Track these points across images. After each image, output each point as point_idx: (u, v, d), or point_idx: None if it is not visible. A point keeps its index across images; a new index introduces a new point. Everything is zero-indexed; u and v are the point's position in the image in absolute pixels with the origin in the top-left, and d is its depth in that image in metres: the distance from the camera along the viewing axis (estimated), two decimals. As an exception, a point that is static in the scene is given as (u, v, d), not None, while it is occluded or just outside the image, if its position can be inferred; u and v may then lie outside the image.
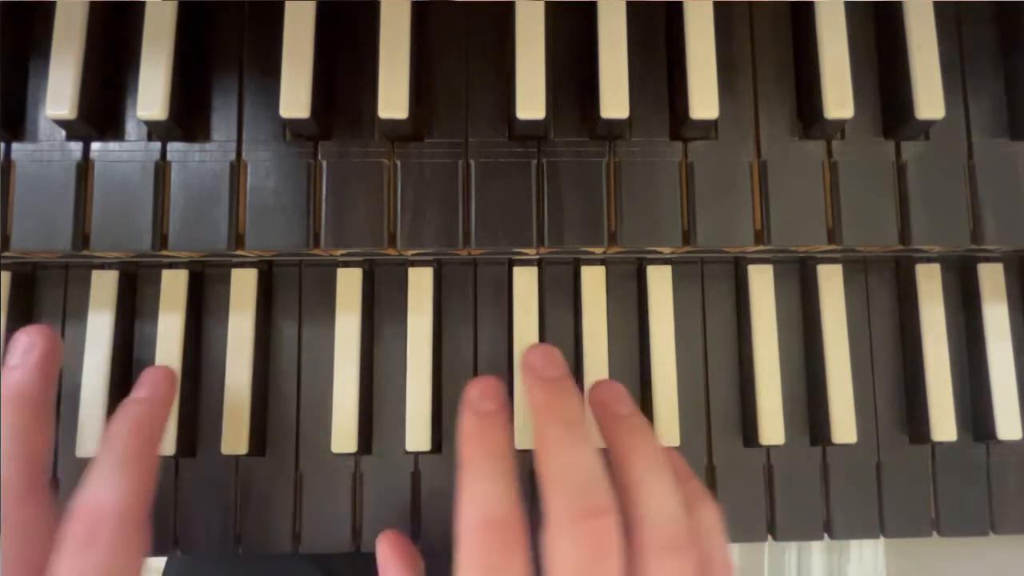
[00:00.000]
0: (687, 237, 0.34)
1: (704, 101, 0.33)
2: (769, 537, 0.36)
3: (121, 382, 0.35)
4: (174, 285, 0.35)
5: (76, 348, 0.35)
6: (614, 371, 0.36)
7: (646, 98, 0.35)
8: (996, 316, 0.36)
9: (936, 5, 0.34)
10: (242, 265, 0.36)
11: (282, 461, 0.36)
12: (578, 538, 0.25)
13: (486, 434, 0.28)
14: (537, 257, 0.37)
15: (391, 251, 0.34)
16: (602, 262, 0.37)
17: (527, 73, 0.33)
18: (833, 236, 0.34)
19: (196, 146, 0.34)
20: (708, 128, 0.35)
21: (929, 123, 0.34)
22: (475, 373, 0.36)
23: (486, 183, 0.34)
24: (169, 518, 0.35)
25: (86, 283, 0.36)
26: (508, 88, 0.35)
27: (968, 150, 0.36)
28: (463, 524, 0.26)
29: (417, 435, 0.34)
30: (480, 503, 0.26)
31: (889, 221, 0.35)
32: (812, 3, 0.34)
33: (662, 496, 0.27)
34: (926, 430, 0.36)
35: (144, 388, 0.32)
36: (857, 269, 0.38)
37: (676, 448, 0.35)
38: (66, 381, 0.36)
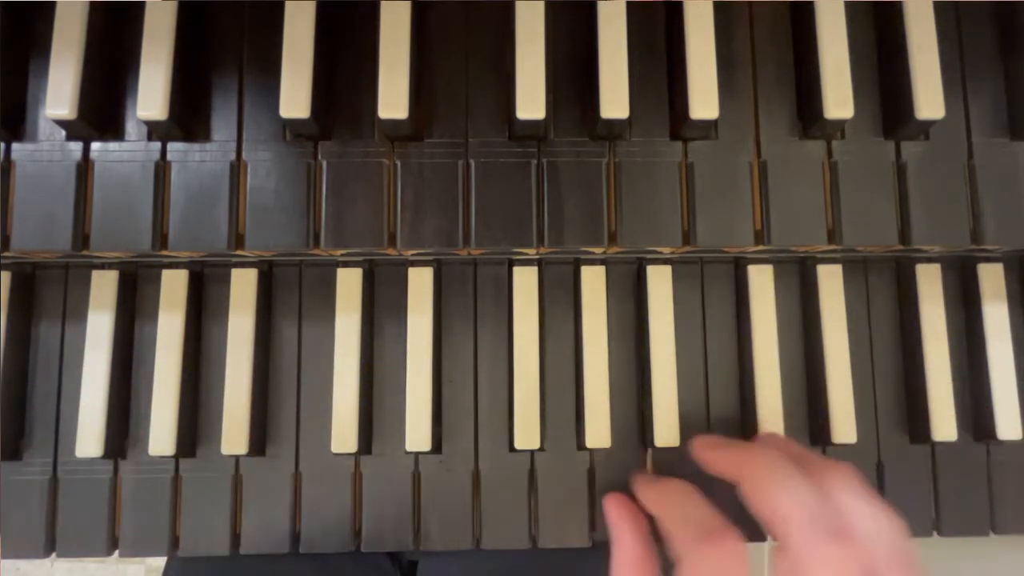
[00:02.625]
0: (687, 237, 0.34)
1: (704, 101, 0.33)
2: (769, 537, 0.36)
3: (121, 382, 0.35)
4: (174, 285, 0.35)
5: (76, 348, 0.36)
6: (614, 371, 0.36)
7: (646, 98, 0.35)
8: (996, 316, 0.36)
9: (936, 5, 0.34)
10: (242, 265, 0.36)
11: (282, 461, 0.36)
12: (825, 562, 0.27)
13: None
14: (537, 257, 0.37)
15: (391, 251, 0.34)
16: (602, 262, 0.37)
17: (527, 73, 0.33)
18: (833, 236, 0.34)
19: (196, 146, 0.34)
20: (708, 128, 0.35)
21: (929, 123, 0.34)
22: (475, 373, 0.36)
23: (486, 183, 0.34)
24: (169, 518, 0.35)
25: (86, 283, 0.36)
26: (508, 88, 0.35)
27: (968, 150, 0.36)
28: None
29: (417, 435, 0.34)
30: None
31: (889, 221, 0.35)
32: (812, 3, 0.34)
33: (877, 522, 0.29)
34: (926, 430, 0.36)
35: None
36: (857, 269, 0.38)
37: (676, 448, 0.35)
38: (66, 381, 0.36)
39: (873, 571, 0.27)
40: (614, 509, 0.34)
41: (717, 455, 0.33)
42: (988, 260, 0.37)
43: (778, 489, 0.29)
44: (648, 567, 0.32)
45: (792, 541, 0.27)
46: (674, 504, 0.32)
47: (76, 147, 0.34)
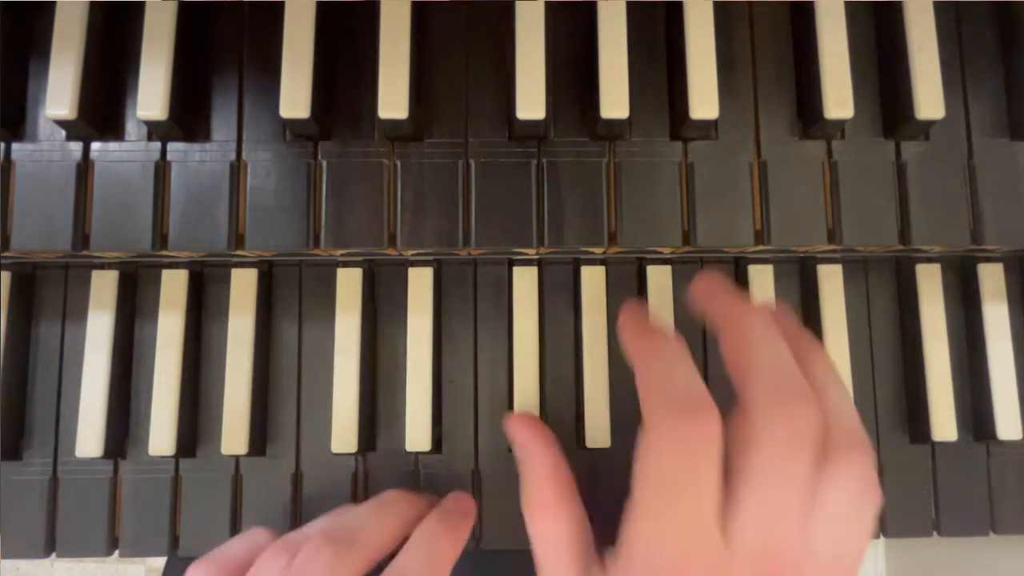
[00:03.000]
0: (687, 237, 0.34)
1: (704, 101, 0.33)
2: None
3: (121, 382, 0.35)
4: (174, 285, 0.35)
5: (76, 348, 0.36)
6: (614, 371, 0.36)
7: (646, 98, 0.35)
8: (996, 316, 0.36)
9: (936, 5, 0.34)
10: (242, 265, 0.36)
11: (282, 461, 0.36)
12: (782, 419, 0.26)
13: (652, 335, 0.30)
14: (537, 257, 0.37)
15: (391, 251, 0.34)
16: (602, 262, 0.37)
17: (527, 73, 0.33)
18: (833, 236, 0.34)
19: (196, 146, 0.34)
20: (708, 128, 0.35)
21: (929, 123, 0.34)
22: (475, 373, 0.36)
23: (486, 183, 0.34)
24: (169, 518, 0.35)
25: (86, 283, 0.36)
26: (508, 88, 0.35)
27: (968, 150, 0.36)
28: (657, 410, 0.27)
29: (417, 435, 0.34)
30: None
31: (889, 221, 0.35)
32: (812, 3, 0.34)
33: (842, 398, 0.28)
34: (926, 430, 0.36)
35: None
36: (857, 269, 0.38)
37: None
38: (66, 381, 0.36)
39: (825, 444, 0.26)
40: (522, 427, 0.33)
41: (711, 299, 0.31)
42: (988, 260, 0.37)
43: (754, 347, 0.28)
44: (565, 479, 0.31)
45: (752, 395, 0.27)
46: (660, 360, 0.29)
47: (76, 147, 0.34)
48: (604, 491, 0.36)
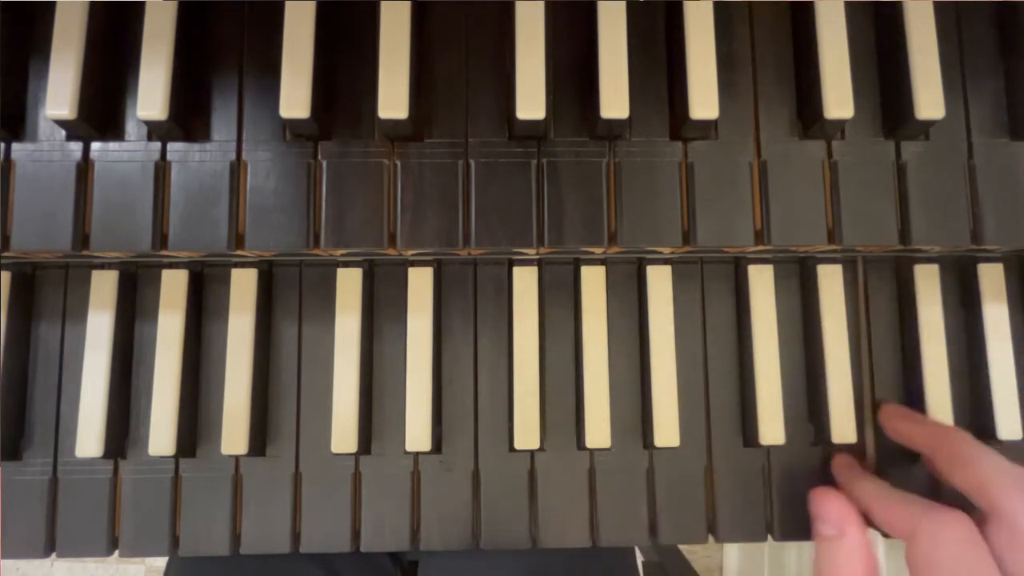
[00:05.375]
0: (687, 237, 0.34)
1: (704, 101, 0.33)
2: (769, 537, 0.36)
3: (121, 382, 0.35)
4: (174, 285, 0.35)
5: (76, 348, 0.36)
6: (614, 371, 0.36)
7: (646, 98, 0.35)
8: (996, 316, 0.36)
9: (936, 5, 0.34)
10: (242, 265, 0.36)
11: (282, 461, 0.36)
12: None
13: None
14: (537, 257, 0.37)
15: (391, 251, 0.34)
16: (602, 262, 0.37)
17: (527, 73, 0.33)
18: (833, 236, 0.34)
19: (196, 146, 0.34)
20: (708, 128, 0.35)
21: (929, 123, 0.34)
22: (475, 373, 0.36)
23: (486, 183, 0.34)
24: (169, 518, 0.35)
25: (86, 283, 0.36)
26: (508, 88, 0.35)
27: (968, 150, 0.36)
28: None
29: (417, 435, 0.34)
30: None
31: (889, 221, 0.35)
32: (812, 3, 0.34)
33: None
34: (926, 430, 0.36)
35: None
36: (857, 269, 0.38)
37: (676, 448, 0.35)
38: (66, 381, 0.36)
39: None
40: (838, 504, 0.32)
41: (909, 427, 0.34)
42: (988, 260, 0.37)
43: (978, 457, 0.30)
44: (875, 566, 0.31)
45: (1001, 505, 0.28)
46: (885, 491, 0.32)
47: (76, 147, 0.34)
48: (604, 491, 0.36)
